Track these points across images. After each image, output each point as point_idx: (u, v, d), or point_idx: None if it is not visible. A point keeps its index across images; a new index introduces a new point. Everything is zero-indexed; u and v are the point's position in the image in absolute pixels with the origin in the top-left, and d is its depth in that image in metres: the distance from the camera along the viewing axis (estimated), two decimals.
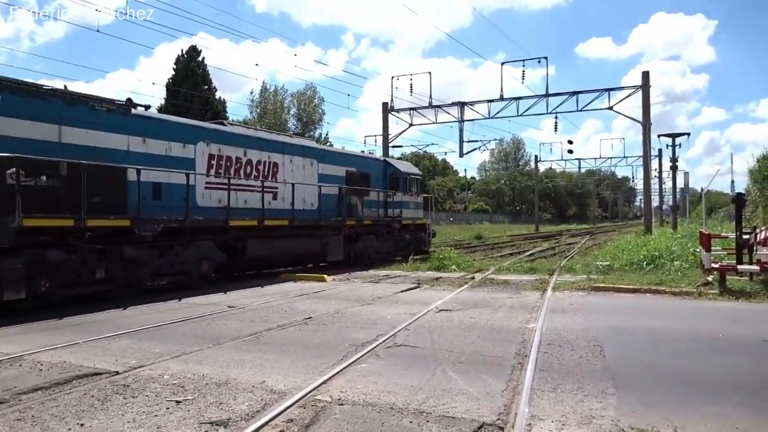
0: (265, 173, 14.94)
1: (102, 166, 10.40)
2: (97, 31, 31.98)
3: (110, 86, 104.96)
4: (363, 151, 24.77)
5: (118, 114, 11.42)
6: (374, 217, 18.92)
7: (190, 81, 41.00)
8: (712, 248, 11.77)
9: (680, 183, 29.59)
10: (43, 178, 9.57)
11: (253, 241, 13.95)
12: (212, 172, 13.32)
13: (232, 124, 16.20)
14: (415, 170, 23.59)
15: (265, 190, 14.39)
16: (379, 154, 26.62)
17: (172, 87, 40.18)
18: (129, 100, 11.87)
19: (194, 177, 12.45)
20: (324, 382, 5.17)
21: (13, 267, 8.85)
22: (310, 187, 16.20)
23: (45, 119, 9.96)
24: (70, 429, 4.11)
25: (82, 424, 4.19)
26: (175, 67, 42.39)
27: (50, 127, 10.03)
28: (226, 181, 13.25)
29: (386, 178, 20.72)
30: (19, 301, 9.02)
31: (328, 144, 45.68)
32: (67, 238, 9.82)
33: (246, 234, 13.73)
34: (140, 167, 10.96)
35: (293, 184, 15.34)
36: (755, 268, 11.06)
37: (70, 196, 9.68)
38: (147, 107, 12.62)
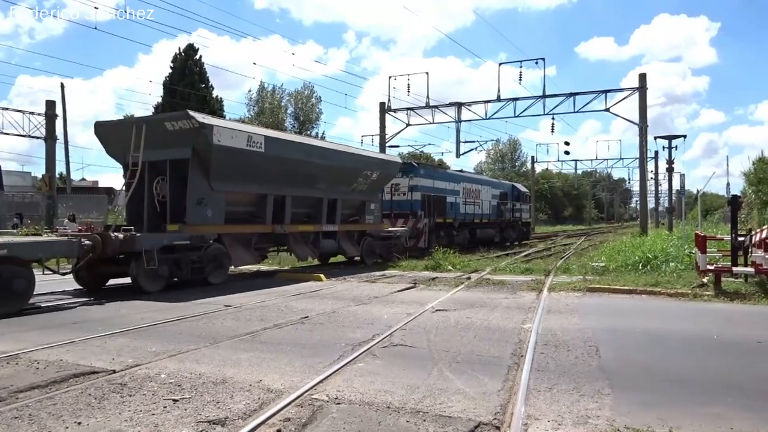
0: (476, 195, 28.58)
1: (442, 196, 24.58)
2: (95, 28, 31.87)
3: (108, 84, 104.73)
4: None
5: (444, 172, 27.61)
6: (511, 218, 33.17)
7: (188, 79, 40.98)
8: (708, 250, 11.82)
9: (677, 185, 29.61)
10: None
11: (477, 230, 28.54)
12: (464, 196, 27.10)
13: (466, 171, 31.91)
14: (525, 189, 39.71)
15: (480, 204, 29.08)
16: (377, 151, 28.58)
17: (169, 85, 40.13)
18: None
19: (462, 199, 26.70)
20: (321, 382, 5.18)
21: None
22: (489, 202, 30.28)
23: (428, 177, 23.89)
24: (67, 427, 4.11)
25: (79, 423, 4.19)
26: (172, 65, 42.37)
27: (430, 181, 23.84)
28: (471, 200, 27.75)
29: (512, 194, 33.88)
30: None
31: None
32: (440, 226, 24.02)
33: (475, 226, 28.36)
34: (449, 196, 25.47)
35: (490, 201, 30.13)
36: (750, 270, 11.14)
37: (435, 208, 23.54)
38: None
